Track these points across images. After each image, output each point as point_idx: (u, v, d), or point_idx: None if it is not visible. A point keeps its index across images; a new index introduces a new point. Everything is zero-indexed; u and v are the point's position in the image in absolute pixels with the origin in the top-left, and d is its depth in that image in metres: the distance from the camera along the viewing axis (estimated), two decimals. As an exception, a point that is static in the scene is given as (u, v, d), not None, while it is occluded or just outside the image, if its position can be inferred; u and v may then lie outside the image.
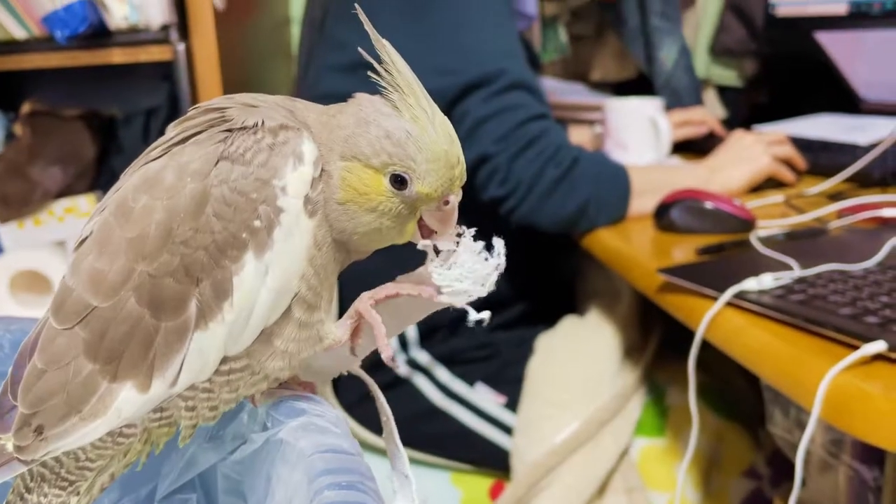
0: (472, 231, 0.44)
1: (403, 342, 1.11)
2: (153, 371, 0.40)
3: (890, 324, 0.62)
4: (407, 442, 0.49)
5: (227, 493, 0.41)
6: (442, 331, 1.12)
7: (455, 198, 0.43)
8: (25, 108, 1.25)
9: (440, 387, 1.10)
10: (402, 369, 1.10)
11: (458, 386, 1.10)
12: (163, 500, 0.43)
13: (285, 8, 1.65)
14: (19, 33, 1.12)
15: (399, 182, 0.41)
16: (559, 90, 1.62)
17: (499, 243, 0.44)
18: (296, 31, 1.62)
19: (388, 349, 0.44)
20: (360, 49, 0.43)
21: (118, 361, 0.40)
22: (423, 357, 1.11)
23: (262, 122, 0.41)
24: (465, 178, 0.43)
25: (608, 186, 1.03)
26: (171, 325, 0.40)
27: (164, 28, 1.15)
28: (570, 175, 1.00)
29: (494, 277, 0.44)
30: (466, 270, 0.43)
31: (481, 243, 0.44)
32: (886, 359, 0.59)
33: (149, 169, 0.42)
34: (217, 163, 0.40)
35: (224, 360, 0.42)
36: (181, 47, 1.17)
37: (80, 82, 1.37)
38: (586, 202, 1.02)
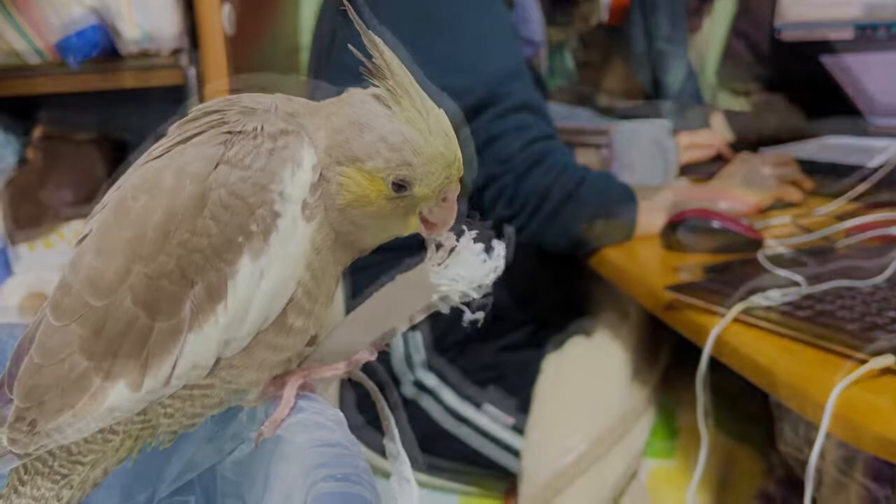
0: (474, 233, 0.44)
1: (410, 363, 1.11)
2: (146, 370, 0.40)
3: (899, 338, 0.62)
4: (414, 466, 0.48)
5: (226, 495, 0.40)
6: (450, 352, 1.12)
7: (453, 193, 0.43)
8: (37, 132, 1.26)
9: (447, 409, 1.09)
10: (409, 390, 1.09)
11: (465, 408, 1.09)
12: (162, 500, 0.43)
13: (295, 36, 1.67)
14: (32, 58, 1.14)
15: (397, 186, 0.41)
16: (566, 115, 1.63)
17: (499, 246, 0.44)
18: (305, 59, 1.64)
19: (272, 431, 0.43)
20: (362, 58, 0.43)
21: (112, 359, 0.40)
22: (430, 379, 1.10)
23: (262, 127, 0.41)
24: (461, 172, 0.43)
25: (615, 206, 1.03)
26: (166, 326, 0.40)
27: (175, 52, 1.16)
28: (577, 194, 1.01)
29: (491, 280, 0.44)
30: (464, 271, 0.43)
31: (481, 245, 0.44)
32: (895, 373, 0.59)
33: (149, 169, 0.42)
34: (216, 166, 0.40)
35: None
36: (192, 71, 1.18)
37: (91, 106, 1.38)
38: (593, 221, 1.02)
